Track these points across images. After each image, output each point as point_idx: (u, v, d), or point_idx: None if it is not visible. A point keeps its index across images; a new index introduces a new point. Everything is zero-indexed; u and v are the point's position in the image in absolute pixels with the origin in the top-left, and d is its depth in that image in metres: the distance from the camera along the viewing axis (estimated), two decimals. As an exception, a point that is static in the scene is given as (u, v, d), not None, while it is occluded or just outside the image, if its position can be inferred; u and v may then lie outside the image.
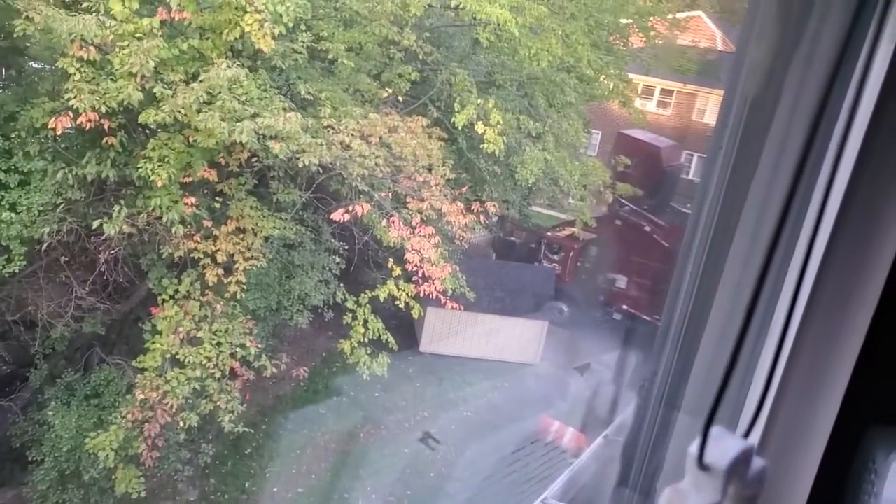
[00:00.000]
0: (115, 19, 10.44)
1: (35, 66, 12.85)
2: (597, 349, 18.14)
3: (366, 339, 12.40)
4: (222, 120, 10.35)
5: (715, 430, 0.93)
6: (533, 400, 16.88)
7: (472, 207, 13.02)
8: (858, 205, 1.13)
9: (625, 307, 20.96)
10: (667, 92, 29.28)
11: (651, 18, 19.89)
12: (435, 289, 11.96)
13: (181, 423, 12.13)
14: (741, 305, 1.24)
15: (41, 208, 11.60)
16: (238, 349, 12.42)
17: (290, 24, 11.25)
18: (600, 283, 22.07)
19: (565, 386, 17.59)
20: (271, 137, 10.63)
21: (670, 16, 21.63)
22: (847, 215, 1.14)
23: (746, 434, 1.12)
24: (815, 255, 1.15)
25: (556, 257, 22.13)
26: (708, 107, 28.00)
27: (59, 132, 10.97)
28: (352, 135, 11.53)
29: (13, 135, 11.69)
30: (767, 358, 1.19)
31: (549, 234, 22.79)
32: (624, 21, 19.12)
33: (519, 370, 18.31)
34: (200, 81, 10.59)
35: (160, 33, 10.66)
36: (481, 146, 13.27)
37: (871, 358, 1.17)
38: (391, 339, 12.57)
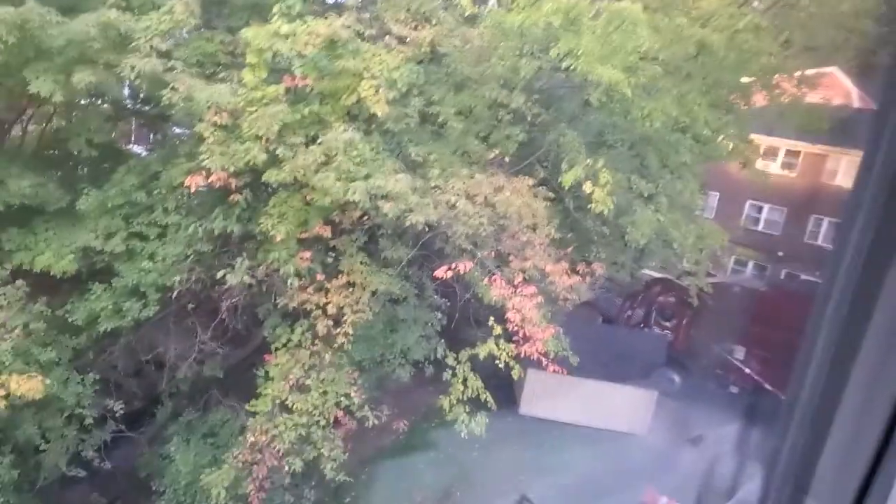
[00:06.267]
0: (246, 87, 11.40)
1: (177, 130, 14.18)
2: (710, 422, 17.11)
3: (465, 397, 12.37)
4: (338, 180, 10.93)
5: None
6: (637, 472, 16.05)
7: (578, 268, 12.84)
8: None
9: (743, 380, 19.73)
10: (792, 153, 27.81)
11: (776, 76, 19.09)
12: (536, 350, 11.75)
13: (287, 468, 12.56)
14: (888, 383, 1.14)
15: (174, 258, 12.64)
16: (343, 398, 12.79)
17: (404, 90, 11.80)
18: (716, 352, 20.94)
19: (674, 459, 16.66)
20: (382, 197, 11.03)
21: (798, 73, 20.70)
22: None
23: None
24: None
25: (668, 323, 21.29)
26: (840, 168, 26.37)
27: (193, 190, 12.02)
28: (458, 195, 11.77)
29: (155, 192, 12.91)
30: None
31: (660, 298, 22.02)
32: (745, 79, 18.47)
33: (624, 439, 17.57)
34: (319, 144, 11.29)
35: (284, 99, 11.52)
36: (589, 206, 13.01)
37: None
38: (490, 399, 12.46)
